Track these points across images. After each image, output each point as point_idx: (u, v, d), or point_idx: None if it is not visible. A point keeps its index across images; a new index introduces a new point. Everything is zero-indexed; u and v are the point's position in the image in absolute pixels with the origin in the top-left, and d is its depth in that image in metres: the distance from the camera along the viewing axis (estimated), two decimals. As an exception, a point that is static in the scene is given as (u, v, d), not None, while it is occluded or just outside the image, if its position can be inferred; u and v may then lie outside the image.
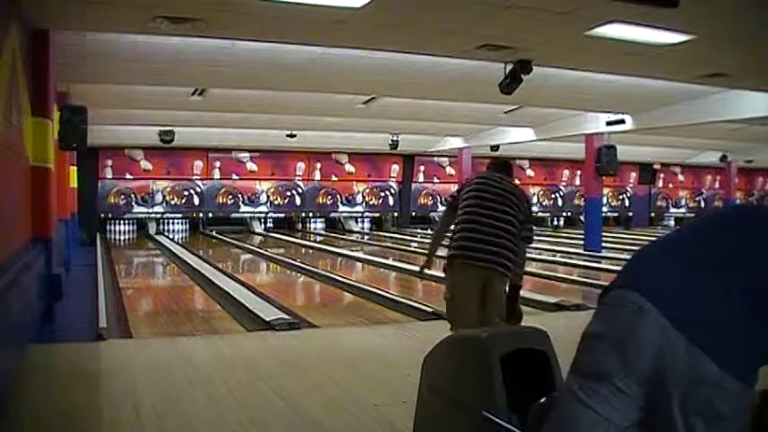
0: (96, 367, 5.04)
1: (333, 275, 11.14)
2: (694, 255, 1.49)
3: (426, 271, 4.81)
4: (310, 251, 17.09)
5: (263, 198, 21.95)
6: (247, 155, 21.44)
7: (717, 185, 27.78)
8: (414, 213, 23.64)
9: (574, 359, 1.51)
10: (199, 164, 21.08)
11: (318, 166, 22.38)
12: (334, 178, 22.70)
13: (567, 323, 7.12)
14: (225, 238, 19.01)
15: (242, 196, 21.65)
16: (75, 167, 14.16)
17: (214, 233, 20.37)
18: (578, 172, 24.18)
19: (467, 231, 4.33)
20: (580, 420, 1.44)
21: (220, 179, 21.37)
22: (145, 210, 20.58)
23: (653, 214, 27.29)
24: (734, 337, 1.41)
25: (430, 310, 7.43)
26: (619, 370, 1.40)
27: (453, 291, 4.36)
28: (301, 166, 22.22)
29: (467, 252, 4.29)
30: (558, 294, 9.20)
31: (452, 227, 4.48)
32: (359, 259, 14.67)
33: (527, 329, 2.70)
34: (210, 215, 21.39)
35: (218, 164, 21.28)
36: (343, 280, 10.59)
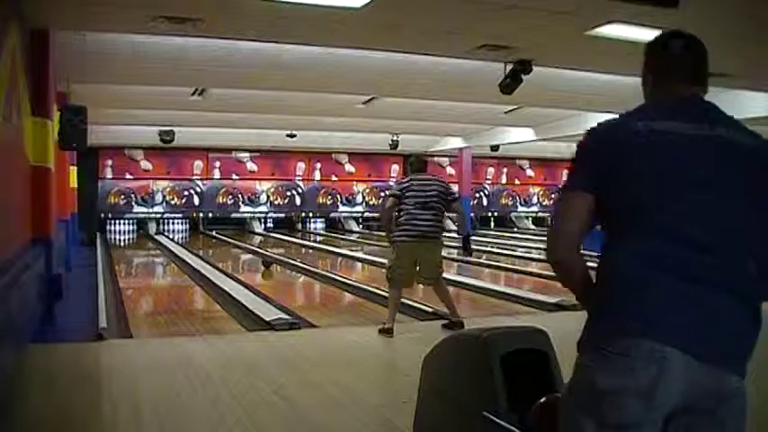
0: (96, 367, 5.04)
1: (333, 275, 11.14)
2: (682, 270, 1.55)
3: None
4: (310, 251, 17.09)
5: (263, 198, 21.95)
6: (247, 155, 21.45)
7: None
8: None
9: (585, 406, 1.54)
10: (199, 164, 21.08)
11: (318, 166, 22.38)
12: (334, 178, 22.71)
13: (566, 323, 7.11)
14: (225, 238, 19.01)
15: (242, 196, 21.65)
16: (75, 167, 14.16)
17: (214, 233, 20.37)
18: (578, 172, 24.15)
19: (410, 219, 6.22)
20: None
21: (220, 179, 21.37)
22: (145, 210, 20.58)
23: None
24: (739, 340, 1.59)
25: (430, 310, 7.43)
26: (647, 420, 1.49)
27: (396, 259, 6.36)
28: (301, 166, 22.22)
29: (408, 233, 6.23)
30: (558, 294, 9.18)
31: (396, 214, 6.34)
32: (359, 259, 14.67)
33: (527, 329, 2.70)
34: (210, 215, 21.39)
35: (218, 164, 21.28)
36: (343, 280, 10.58)
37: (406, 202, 6.21)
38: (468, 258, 11.39)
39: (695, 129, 1.68)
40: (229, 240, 18.59)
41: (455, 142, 19.70)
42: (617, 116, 1.80)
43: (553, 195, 25.58)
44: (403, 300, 6.56)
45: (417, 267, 6.33)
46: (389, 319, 6.20)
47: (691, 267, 1.56)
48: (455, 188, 8.51)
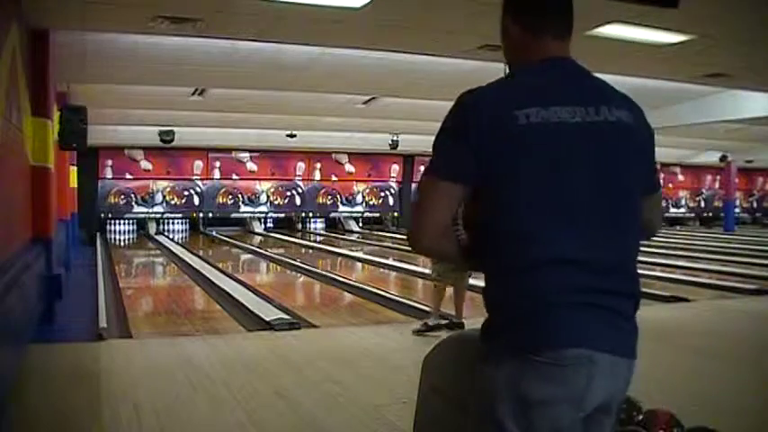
0: (96, 367, 5.03)
1: (333, 275, 11.14)
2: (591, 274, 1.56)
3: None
4: (310, 251, 17.09)
5: (263, 198, 21.95)
6: (247, 155, 21.45)
7: (717, 185, 27.78)
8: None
9: (514, 415, 1.52)
10: (199, 164, 21.08)
11: (318, 166, 22.39)
12: (334, 178, 22.71)
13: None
14: (225, 239, 19.01)
15: (242, 196, 21.65)
16: (75, 167, 14.16)
17: (214, 233, 20.38)
18: (578, 172, 24.15)
19: None
20: None
21: (220, 179, 21.37)
22: (145, 210, 20.58)
23: (653, 214, 27.25)
24: (634, 327, 1.66)
25: (430, 310, 7.43)
26: (575, 423, 1.52)
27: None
28: (301, 166, 22.23)
29: None
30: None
31: None
32: (359, 259, 14.67)
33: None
34: (210, 215, 21.39)
35: (218, 164, 21.28)
36: (343, 280, 10.58)
37: None
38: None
39: (582, 114, 1.56)
40: (229, 240, 18.59)
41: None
42: (490, 90, 1.60)
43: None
44: (403, 300, 6.55)
45: None
46: (457, 314, 6.24)
47: (598, 269, 1.55)
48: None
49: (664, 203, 27.67)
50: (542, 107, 1.53)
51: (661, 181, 1.85)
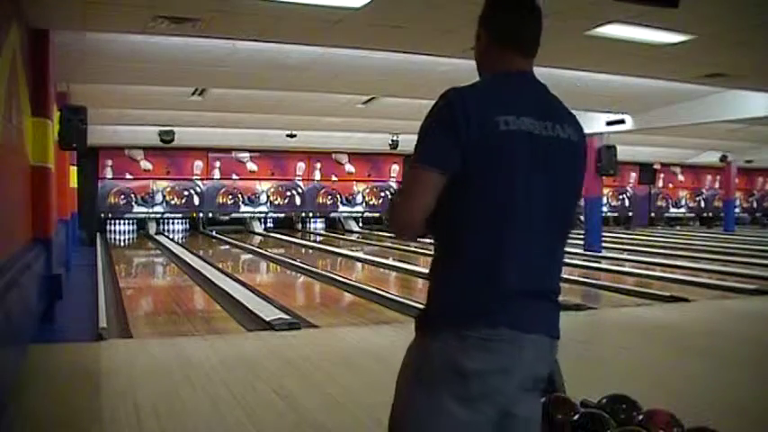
0: (96, 367, 5.04)
1: (333, 275, 11.14)
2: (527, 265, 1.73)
3: None
4: (310, 251, 17.09)
5: (263, 198, 21.96)
6: (247, 155, 21.45)
7: (717, 185, 27.78)
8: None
9: (448, 386, 1.67)
10: (199, 164, 21.08)
11: (318, 166, 22.39)
12: (334, 178, 22.71)
13: (567, 323, 7.11)
14: (225, 238, 19.02)
15: (242, 196, 21.66)
16: (76, 167, 14.16)
17: (214, 233, 20.38)
18: (578, 172, 24.14)
19: None
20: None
21: (220, 179, 21.38)
22: (145, 210, 20.58)
23: (653, 214, 27.30)
24: (557, 314, 1.81)
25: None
26: (504, 390, 1.68)
27: None
28: (301, 166, 22.23)
29: None
30: (558, 294, 9.20)
31: None
32: (359, 259, 14.67)
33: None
34: (210, 215, 21.40)
35: (218, 164, 21.28)
36: (343, 280, 10.58)
37: None
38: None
39: (542, 128, 1.73)
40: (229, 240, 18.59)
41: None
42: (475, 92, 1.73)
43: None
44: (403, 300, 6.52)
45: None
46: None
47: (537, 268, 1.73)
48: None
49: (664, 203, 27.71)
50: (517, 116, 1.69)
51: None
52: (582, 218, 15.45)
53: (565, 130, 1.77)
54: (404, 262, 12.94)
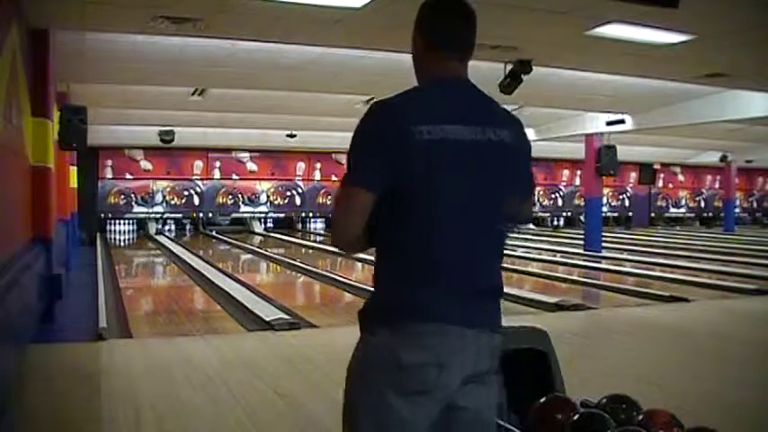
0: (96, 367, 5.04)
1: (333, 275, 11.14)
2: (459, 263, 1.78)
3: None
4: (310, 251, 17.09)
5: (263, 198, 21.96)
6: (247, 155, 21.45)
7: (717, 185, 27.78)
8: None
9: (388, 379, 1.72)
10: (199, 164, 21.08)
11: (318, 166, 22.39)
12: (334, 178, 22.69)
13: (567, 323, 7.12)
14: (225, 238, 19.02)
15: (242, 196, 21.66)
16: (75, 167, 14.16)
17: (214, 233, 20.38)
18: (578, 172, 24.18)
19: None
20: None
21: (220, 179, 21.37)
22: (145, 210, 20.58)
23: (653, 214, 27.30)
24: (497, 308, 1.85)
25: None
26: (441, 385, 1.71)
27: None
28: (301, 166, 22.23)
29: None
30: (557, 294, 9.20)
31: None
32: (358, 259, 14.66)
33: (527, 329, 2.70)
34: (210, 215, 21.40)
35: (218, 164, 21.28)
36: (343, 280, 10.58)
37: None
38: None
39: (471, 133, 1.78)
40: (229, 240, 18.59)
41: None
42: (396, 103, 1.77)
43: (553, 195, 25.62)
44: None
45: None
46: None
47: (466, 260, 1.77)
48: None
49: (664, 203, 27.72)
50: (440, 124, 1.73)
51: (534, 182, 2.12)
52: (582, 218, 15.44)
53: (497, 134, 1.81)
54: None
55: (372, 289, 1.85)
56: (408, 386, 1.70)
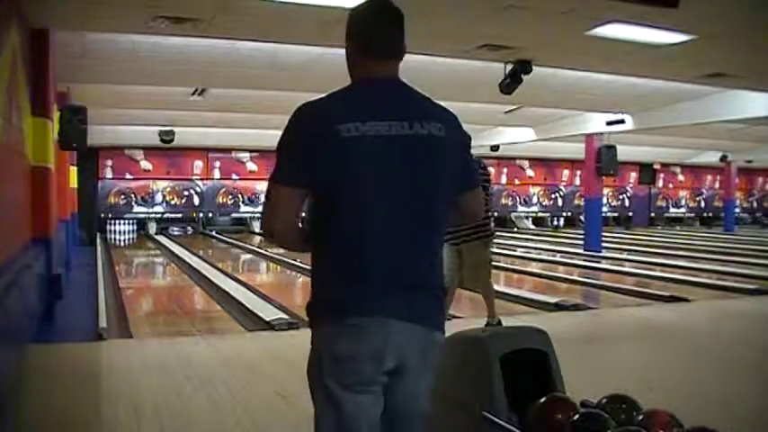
0: (96, 367, 5.03)
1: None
2: (392, 260, 1.87)
3: None
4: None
5: (264, 198, 21.94)
6: (247, 155, 21.45)
7: (717, 185, 27.79)
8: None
9: (329, 370, 1.85)
10: (199, 164, 21.08)
11: (318, 166, 22.38)
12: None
13: (567, 323, 7.12)
14: (225, 238, 19.01)
15: (242, 196, 21.65)
16: (76, 167, 14.16)
17: (214, 233, 20.38)
18: (578, 172, 24.17)
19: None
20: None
21: (220, 179, 21.37)
22: (145, 210, 20.58)
23: (653, 214, 27.30)
24: (434, 306, 1.93)
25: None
26: (377, 377, 1.84)
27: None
28: (301, 166, 22.23)
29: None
30: (558, 294, 9.20)
31: None
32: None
33: (527, 329, 2.70)
34: (210, 215, 21.40)
35: (218, 164, 21.28)
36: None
37: None
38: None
39: (398, 128, 1.86)
40: (229, 240, 18.59)
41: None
42: (320, 104, 1.89)
43: (553, 195, 25.62)
44: None
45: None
46: (490, 312, 6.28)
47: (395, 257, 1.86)
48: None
49: (664, 203, 27.71)
50: (362, 122, 1.82)
51: (479, 179, 2.19)
52: (582, 218, 15.44)
53: (424, 127, 1.89)
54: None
55: (311, 284, 1.96)
56: (347, 378, 1.82)
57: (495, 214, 24.81)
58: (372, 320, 1.82)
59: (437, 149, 1.91)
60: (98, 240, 17.03)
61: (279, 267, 13.40)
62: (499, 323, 6.06)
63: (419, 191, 1.88)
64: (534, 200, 25.42)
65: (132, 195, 20.39)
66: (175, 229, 20.71)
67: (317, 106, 1.89)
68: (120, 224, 20.37)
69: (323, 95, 1.92)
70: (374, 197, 1.85)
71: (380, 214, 1.85)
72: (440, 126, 1.92)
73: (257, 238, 19.98)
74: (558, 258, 14.69)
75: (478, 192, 2.12)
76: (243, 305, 7.88)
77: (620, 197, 26.65)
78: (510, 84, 8.02)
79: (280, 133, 2.02)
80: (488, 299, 6.24)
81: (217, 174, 21.32)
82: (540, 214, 25.49)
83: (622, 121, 13.53)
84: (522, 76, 7.91)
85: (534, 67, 7.90)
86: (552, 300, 8.43)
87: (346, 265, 1.86)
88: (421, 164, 1.88)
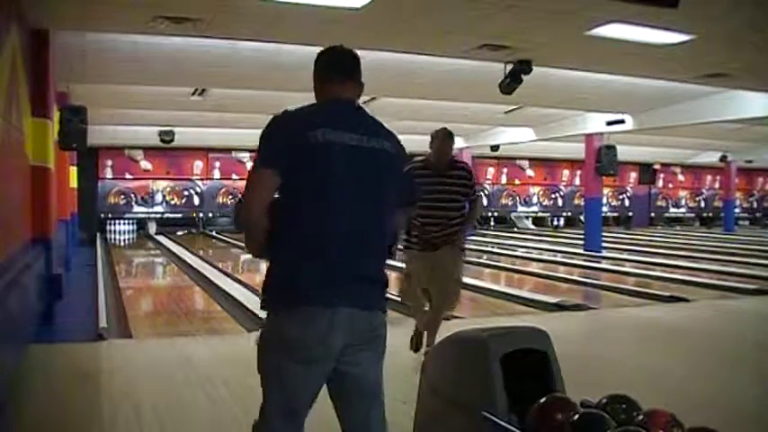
0: (96, 367, 5.03)
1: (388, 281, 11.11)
2: (341, 252, 2.18)
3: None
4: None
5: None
6: (247, 155, 21.43)
7: (717, 185, 27.78)
8: (414, 213, 23.64)
9: (280, 349, 2.16)
10: (199, 164, 21.08)
11: (318, 166, 22.38)
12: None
13: (567, 323, 7.12)
14: (225, 238, 19.01)
15: (242, 196, 21.63)
16: (76, 167, 14.16)
17: (214, 233, 20.38)
18: (578, 172, 24.18)
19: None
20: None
21: (220, 179, 21.37)
22: (145, 210, 20.57)
23: (653, 214, 27.30)
24: (377, 292, 2.25)
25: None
26: (325, 356, 2.14)
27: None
28: (301, 165, 22.24)
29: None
30: (558, 294, 9.20)
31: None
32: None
33: (527, 329, 2.69)
34: (210, 215, 21.39)
35: (218, 164, 21.28)
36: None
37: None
38: (469, 258, 11.40)
39: (357, 140, 2.20)
40: (229, 240, 18.59)
41: (455, 142, 19.68)
42: (295, 114, 2.24)
43: (553, 195, 25.62)
44: (400, 299, 5.92)
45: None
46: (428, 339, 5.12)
47: (345, 251, 2.16)
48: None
49: (664, 203, 27.73)
50: (330, 129, 2.17)
51: (416, 196, 2.63)
52: (582, 218, 15.43)
53: (379, 143, 2.26)
54: (403, 261, 12.92)
55: (267, 274, 2.22)
56: (298, 356, 2.13)
57: (496, 214, 24.88)
58: (319, 309, 2.11)
59: (388, 162, 2.27)
60: (98, 240, 17.02)
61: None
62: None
63: (371, 195, 2.21)
64: (534, 200, 25.42)
65: (132, 195, 20.39)
66: (179, 231, 20.70)
67: (293, 114, 2.23)
68: (120, 224, 20.37)
69: (296, 107, 2.26)
70: (333, 197, 2.15)
71: (337, 213, 2.15)
72: (390, 144, 2.29)
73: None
74: (558, 258, 14.68)
75: (409, 210, 2.50)
76: (243, 305, 7.88)
77: (620, 197, 26.65)
78: (510, 84, 8.02)
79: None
80: (436, 322, 5.04)
81: (217, 174, 21.32)
82: (540, 214, 25.49)
83: (622, 121, 13.53)
84: (522, 76, 7.91)
85: (534, 67, 7.90)
86: (552, 300, 8.43)
87: (301, 257, 2.15)
88: (374, 172, 2.22)
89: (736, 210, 26.22)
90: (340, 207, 2.16)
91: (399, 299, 5.22)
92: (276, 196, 2.18)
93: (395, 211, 2.34)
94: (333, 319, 2.11)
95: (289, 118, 2.22)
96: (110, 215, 20.20)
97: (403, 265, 5.23)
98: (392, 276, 5.22)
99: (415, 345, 5.23)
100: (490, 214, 24.57)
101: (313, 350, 2.12)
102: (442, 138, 5.03)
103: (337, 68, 2.40)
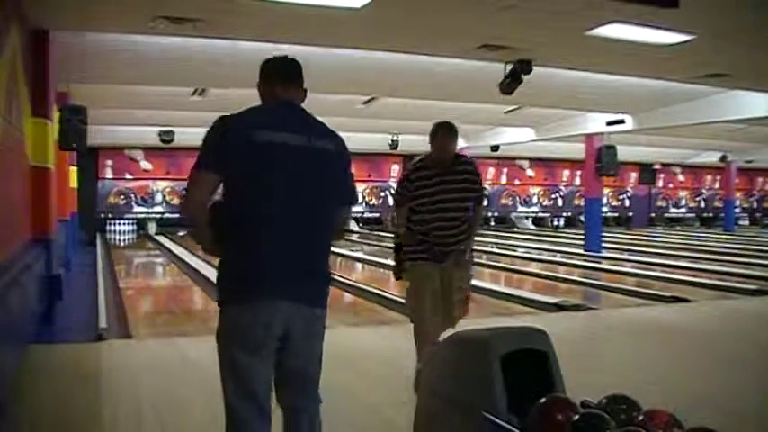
0: (96, 367, 5.03)
1: (332, 275, 11.13)
2: (284, 249, 2.38)
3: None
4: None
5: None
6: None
7: (717, 185, 27.79)
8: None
9: (233, 338, 2.38)
10: (199, 164, 21.07)
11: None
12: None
13: (567, 323, 7.12)
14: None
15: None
16: (76, 167, 14.16)
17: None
18: (578, 172, 24.18)
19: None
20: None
21: (220, 179, 21.37)
22: (145, 210, 20.57)
23: (653, 214, 27.30)
24: (319, 289, 2.48)
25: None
26: (268, 342, 2.35)
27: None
28: (301, 165, 22.23)
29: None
30: (558, 295, 9.20)
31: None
32: (359, 259, 14.67)
33: (527, 329, 2.69)
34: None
35: (218, 164, 21.28)
36: (343, 280, 10.58)
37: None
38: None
39: (299, 140, 2.36)
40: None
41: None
42: (240, 116, 2.38)
43: (553, 196, 25.62)
44: (403, 299, 5.77)
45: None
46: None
47: (288, 247, 2.34)
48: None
49: (664, 203, 27.73)
50: (273, 131, 2.33)
51: (359, 199, 2.67)
52: (582, 218, 15.43)
53: (320, 141, 2.41)
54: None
55: (219, 271, 2.41)
56: (247, 343, 2.34)
57: (496, 214, 24.88)
58: (263, 303, 2.32)
59: (330, 161, 2.42)
60: (98, 240, 17.02)
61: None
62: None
63: (314, 193, 2.37)
64: (534, 200, 25.43)
65: (132, 195, 20.39)
66: (179, 231, 20.68)
67: (237, 116, 2.37)
68: (120, 224, 20.37)
69: (242, 110, 2.40)
70: (276, 196, 2.30)
71: (279, 212, 2.32)
72: (332, 144, 2.44)
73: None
74: (558, 258, 14.68)
75: (349, 209, 2.64)
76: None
77: (620, 197, 26.65)
78: (510, 84, 8.02)
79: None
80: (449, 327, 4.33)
81: (217, 174, 21.32)
82: (540, 214, 25.49)
83: (622, 122, 13.53)
84: (522, 76, 7.90)
85: (534, 67, 7.90)
86: (552, 300, 8.43)
87: (246, 255, 2.33)
88: (316, 170, 2.37)
89: (737, 210, 26.22)
90: (282, 206, 2.31)
91: (409, 319, 4.64)
92: (222, 197, 2.35)
93: (337, 210, 2.51)
94: (275, 312, 2.32)
95: (230, 121, 2.35)
96: (110, 215, 20.20)
97: (408, 283, 4.70)
98: (397, 284, 5.22)
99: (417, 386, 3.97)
100: (490, 214, 24.58)
101: (259, 339, 2.33)
102: (444, 133, 4.47)
103: (279, 73, 2.57)
